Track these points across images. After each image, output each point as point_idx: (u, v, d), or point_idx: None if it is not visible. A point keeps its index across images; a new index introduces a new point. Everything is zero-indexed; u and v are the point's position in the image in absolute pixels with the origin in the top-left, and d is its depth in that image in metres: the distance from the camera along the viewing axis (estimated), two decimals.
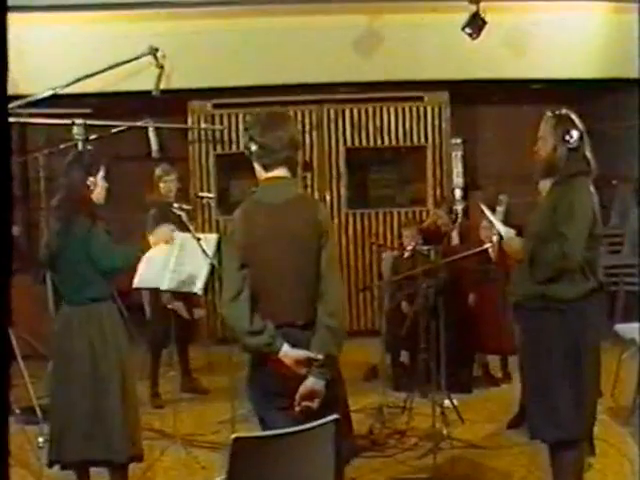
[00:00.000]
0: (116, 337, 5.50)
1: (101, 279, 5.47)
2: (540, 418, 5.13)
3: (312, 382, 4.28)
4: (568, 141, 5.00)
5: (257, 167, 4.51)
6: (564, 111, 5.16)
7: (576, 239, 4.87)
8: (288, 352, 4.27)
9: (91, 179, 5.46)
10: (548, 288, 4.99)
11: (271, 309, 4.32)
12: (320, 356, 4.25)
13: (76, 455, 5.40)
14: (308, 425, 3.64)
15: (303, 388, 4.27)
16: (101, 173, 5.53)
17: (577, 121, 5.11)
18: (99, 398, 5.36)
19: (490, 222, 5.60)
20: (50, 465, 5.56)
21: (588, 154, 5.09)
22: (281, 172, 4.43)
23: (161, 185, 8.53)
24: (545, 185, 5.50)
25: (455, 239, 8.49)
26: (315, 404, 4.27)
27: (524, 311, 5.19)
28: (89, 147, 5.74)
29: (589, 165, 5.08)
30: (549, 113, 5.17)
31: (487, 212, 5.56)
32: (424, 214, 11.33)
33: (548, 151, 5.09)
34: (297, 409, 4.25)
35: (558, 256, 4.88)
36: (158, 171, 8.59)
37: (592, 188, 5.09)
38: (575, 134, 5.01)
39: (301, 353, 4.27)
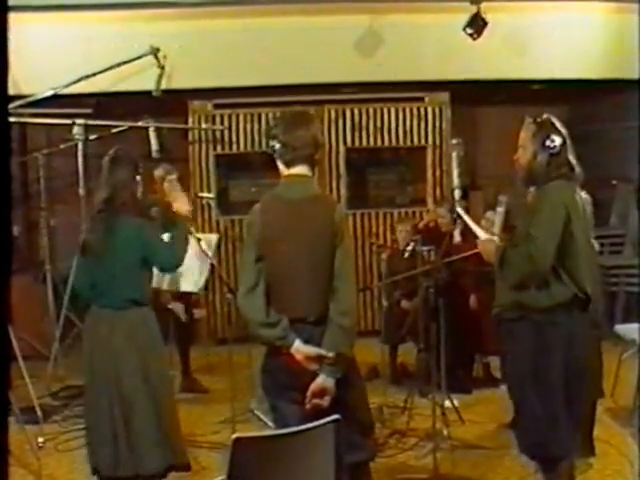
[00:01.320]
0: (159, 342, 5.48)
1: (146, 281, 5.46)
2: (521, 433, 5.12)
3: (322, 380, 4.36)
4: (549, 147, 4.92)
5: (279, 164, 4.59)
6: (545, 116, 5.05)
7: (544, 241, 4.73)
8: (300, 348, 4.36)
9: (138, 177, 5.47)
10: (522, 295, 4.89)
11: (284, 303, 4.42)
12: (330, 354, 4.33)
13: (134, 470, 5.25)
14: (308, 425, 3.64)
15: (314, 385, 4.36)
16: (142, 170, 5.54)
17: (559, 126, 5.02)
18: (153, 405, 5.30)
19: (466, 225, 5.54)
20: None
21: (571, 159, 4.99)
22: (302, 170, 4.53)
23: (165, 185, 8.50)
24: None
25: (457, 237, 8.46)
26: (325, 402, 4.35)
27: (503, 322, 5.09)
28: (119, 147, 5.63)
29: (572, 170, 4.98)
30: (529, 119, 5.07)
31: (464, 216, 5.56)
32: (424, 214, 11.32)
33: (528, 158, 5.00)
34: (308, 406, 4.33)
35: (526, 259, 4.76)
36: (160, 171, 8.55)
37: (578, 191, 4.98)
38: (557, 139, 4.92)
39: (312, 350, 4.36)
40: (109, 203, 5.36)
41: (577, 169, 5.01)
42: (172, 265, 5.61)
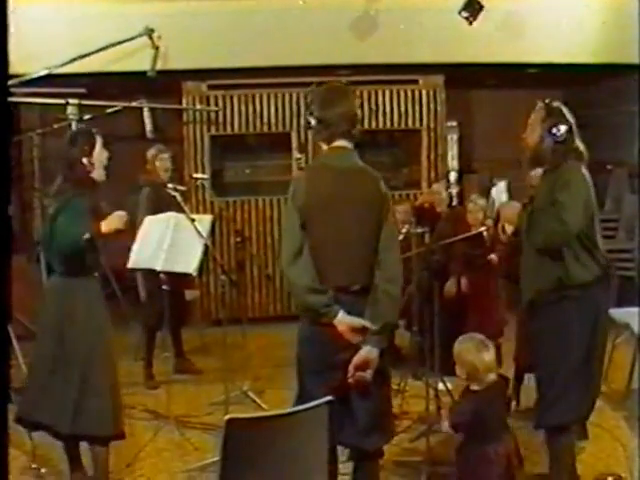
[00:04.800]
0: (90, 313, 5.45)
1: (86, 252, 5.41)
2: (552, 405, 5.14)
3: (367, 351, 4.30)
4: (555, 134, 5.11)
5: (318, 141, 4.59)
6: (556, 103, 5.28)
7: (572, 206, 4.93)
8: (344, 319, 4.29)
9: (86, 159, 5.41)
10: (562, 274, 5.03)
11: (328, 271, 4.35)
12: (375, 327, 4.28)
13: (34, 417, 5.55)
14: (301, 407, 3.65)
15: (357, 357, 4.29)
16: (97, 149, 5.47)
17: (567, 114, 5.23)
18: (65, 373, 5.38)
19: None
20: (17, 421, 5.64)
21: (578, 144, 5.20)
22: (342, 144, 4.49)
23: (157, 164, 8.50)
24: (537, 173, 5.56)
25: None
26: (369, 375, 4.29)
27: (540, 306, 5.20)
28: (82, 125, 5.66)
29: (580, 154, 5.19)
30: (540, 103, 5.28)
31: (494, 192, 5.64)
32: (418, 197, 11.30)
33: (535, 141, 5.22)
34: (350, 380, 4.26)
35: (555, 220, 4.93)
36: (153, 150, 8.56)
37: (586, 172, 5.17)
38: (563, 128, 5.12)
39: (357, 321, 4.30)
40: (61, 186, 5.44)
41: (584, 153, 5.22)
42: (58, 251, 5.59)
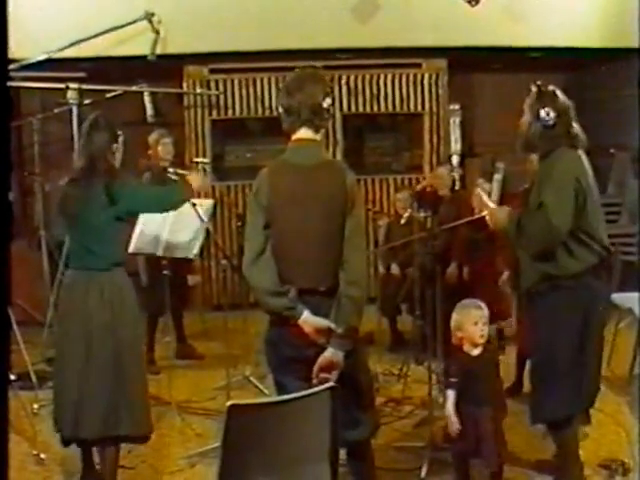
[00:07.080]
0: (132, 306, 5.38)
1: (118, 245, 5.38)
2: (546, 399, 5.09)
3: (331, 353, 4.24)
4: (543, 119, 4.96)
5: (284, 129, 4.48)
6: (550, 87, 5.11)
7: (559, 209, 4.77)
8: (308, 319, 4.24)
9: (115, 145, 5.38)
10: (551, 266, 4.93)
11: (294, 273, 4.29)
12: (340, 330, 4.22)
13: (97, 432, 5.21)
14: (303, 393, 3.63)
15: (322, 359, 4.24)
16: (121, 138, 5.45)
17: (560, 97, 5.06)
18: (119, 370, 5.22)
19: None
20: (66, 444, 5.48)
21: (573, 129, 5.03)
22: (306, 134, 4.41)
23: (159, 148, 8.46)
24: (534, 158, 5.49)
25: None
26: (333, 376, 4.22)
27: (534, 295, 5.12)
28: (99, 112, 5.60)
29: (574, 139, 5.03)
30: (533, 88, 5.12)
31: (482, 191, 5.53)
32: (420, 181, 11.26)
33: (525, 126, 5.10)
34: (315, 381, 4.19)
35: (543, 225, 4.79)
36: (155, 134, 8.53)
37: (584, 157, 5.03)
38: (551, 112, 4.95)
39: (322, 322, 4.25)
40: (85, 171, 5.29)
41: (581, 137, 5.06)
42: (165, 205, 5.71)
